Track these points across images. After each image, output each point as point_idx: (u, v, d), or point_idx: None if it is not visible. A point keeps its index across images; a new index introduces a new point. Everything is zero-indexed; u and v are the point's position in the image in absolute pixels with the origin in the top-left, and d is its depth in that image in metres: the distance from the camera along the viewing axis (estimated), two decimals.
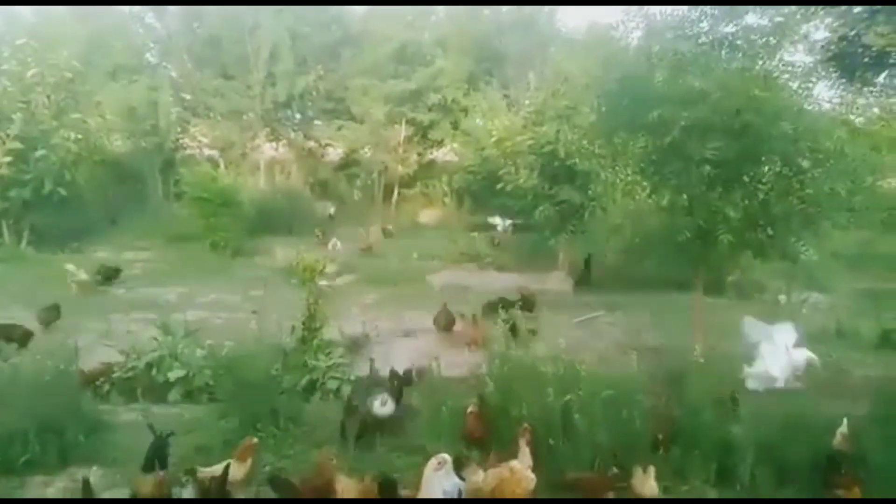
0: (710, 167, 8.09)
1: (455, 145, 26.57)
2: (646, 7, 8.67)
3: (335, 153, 29.25)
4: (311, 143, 28.52)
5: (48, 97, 18.17)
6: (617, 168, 11.13)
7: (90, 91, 21.13)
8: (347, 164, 28.09)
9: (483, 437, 6.15)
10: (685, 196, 8.76)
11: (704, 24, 8.57)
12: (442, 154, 28.34)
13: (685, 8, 8.53)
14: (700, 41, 8.57)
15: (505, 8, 28.19)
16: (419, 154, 26.66)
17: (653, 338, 10.71)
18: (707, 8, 8.45)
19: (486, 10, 28.47)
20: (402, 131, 25.33)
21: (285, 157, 28.73)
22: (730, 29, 8.49)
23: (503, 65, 28.13)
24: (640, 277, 14.53)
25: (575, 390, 5.99)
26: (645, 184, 9.97)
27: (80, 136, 18.70)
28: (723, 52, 8.57)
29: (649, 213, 10.72)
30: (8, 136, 11.63)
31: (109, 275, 14.21)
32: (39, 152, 17.20)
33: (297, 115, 28.72)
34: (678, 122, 7.75)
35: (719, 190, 8.51)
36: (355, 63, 26.74)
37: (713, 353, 8.67)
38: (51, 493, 5.87)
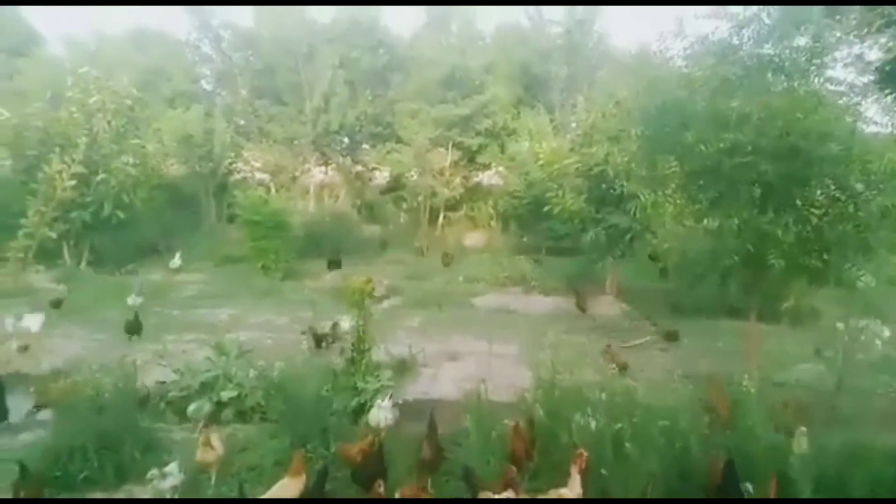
0: (759, 190, 7.96)
1: (500, 169, 26.68)
2: (685, 31, 8.65)
3: (382, 177, 29.68)
4: (359, 167, 29.00)
5: (109, 123, 18.75)
6: (665, 192, 11.04)
7: (149, 117, 21.97)
8: (394, 187, 28.44)
9: (525, 457, 6.11)
10: (734, 220, 8.62)
11: (746, 48, 8.49)
12: (487, 177, 28.46)
13: (726, 30, 8.45)
14: (744, 63, 8.48)
15: (552, 32, 28.36)
16: (465, 177, 26.80)
17: (705, 365, 10.47)
18: (748, 30, 8.36)
19: (533, 34, 28.67)
20: (449, 155, 25.54)
21: (334, 181, 29.29)
22: (773, 51, 8.37)
23: (549, 89, 28.24)
24: (690, 303, 14.28)
25: (627, 418, 5.91)
26: (693, 207, 9.84)
27: (138, 161, 19.30)
28: (768, 74, 8.46)
29: (699, 237, 10.57)
30: (73, 160, 12.15)
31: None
32: (100, 176, 17.76)
33: (346, 140, 29.26)
34: (718, 145, 7.67)
35: (770, 214, 8.34)
36: (403, 88, 27.18)
37: (768, 381, 8.44)
38: None
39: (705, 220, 9.56)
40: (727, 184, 8.11)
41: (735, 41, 8.29)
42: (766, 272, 8.37)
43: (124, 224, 18.63)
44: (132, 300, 12.59)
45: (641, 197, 12.83)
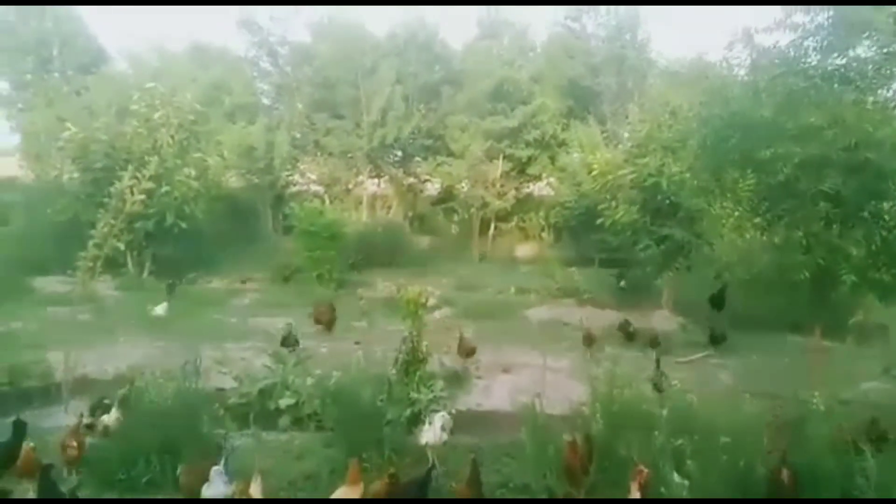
0: (828, 204, 7.72)
1: (551, 180, 26.54)
2: (752, 40, 8.47)
3: (433, 188, 29.90)
4: (411, 179, 29.29)
5: (172, 137, 19.30)
6: (725, 204, 10.79)
7: (210, 131, 22.65)
8: (445, 199, 28.61)
9: (582, 472, 6.03)
10: (800, 233, 8.38)
11: (812, 59, 8.26)
12: (538, 189, 28.36)
13: (790, 40, 8.25)
14: (810, 74, 8.26)
15: (594, 44, 28.27)
16: (516, 189, 26.76)
17: (766, 381, 10.13)
18: (813, 40, 8.14)
19: (580, 46, 28.54)
20: (500, 166, 25.56)
21: (386, 193, 29.66)
22: (840, 61, 8.12)
23: (598, 100, 28.03)
24: (749, 317, 13.88)
25: (689, 434, 5.77)
26: (756, 220, 9.60)
27: (199, 174, 19.79)
28: (834, 85, 8.21)
29: (760, 250, 10.29)
30: (144, 176, 12.68)
31: None
32: (163, 188, 18.20)
33: (399, 153, 29.60)
34: (792, 159, 7.48)
35: (838, 227, 8.09)
36: (454, 101, 27.37)
37: (833, 399, 8.12)
38: None
39: (765, 234, 9.35)
40: (795, 197, 7.89)
41: (799, 52, 8.09)
42: (835, 287, 8.10)
43: (185, 234, 19.14)
44: (161, 310, 12.92)
45: (699, 209, 12.63)
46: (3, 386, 8.91)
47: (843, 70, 8.06)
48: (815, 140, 7.58)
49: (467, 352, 10.69)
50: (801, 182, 7.68)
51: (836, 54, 8.04)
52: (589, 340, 11.84)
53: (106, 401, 8.02)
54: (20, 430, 6.66)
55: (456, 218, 27.56)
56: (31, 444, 6.32)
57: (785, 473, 5.66)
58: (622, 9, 27.29)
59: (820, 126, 7.58)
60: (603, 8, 27.82)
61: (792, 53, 8.15)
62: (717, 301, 13.82)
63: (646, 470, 5.46)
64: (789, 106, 7.89)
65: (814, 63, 8.19)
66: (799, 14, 8.03)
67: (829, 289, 8.38)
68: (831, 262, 7.96)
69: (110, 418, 7.48)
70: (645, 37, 27.99)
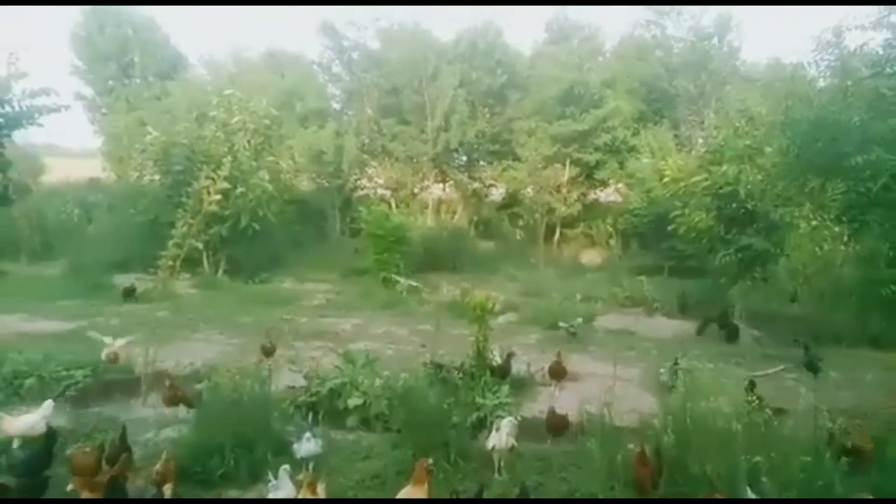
0: None
1: (619, 186, 26.11)
2: (842, 40, 8.14)
3: (498, 193, 29.88)
4: (476, 184, 29.37)
5: (248, 141, 19.92)
6: (805, 213, 10.37)
7: (282, 135, 23.28)
8: (510, 203, 28.55)
9: (651, 486, 5.90)
10: (887, 245, 7.98)
11: None
12: (605, 195, 27.95)
13: (880, 44, 7.87)
14: None
15: (676, 48, 27.64)
16: (582, 194, 26.44)
17: (846, 397, 9.65)
18: None
19: (656, 49, 28.01)
20: (567, 171, 25.30)
21: (451, 197, 29.88)
22: None
23: (673, 104, 27.41)
24: (828, 331, 13.24)
25: (765, 451, 5.57)
26: (837, 230, 9.18)
27: (272, 177, 20.35)
28: None
29: (842, 262, 9.85)
30: (219, 176, 13.10)
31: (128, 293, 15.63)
32: (239, 190, 18.76)
33: (464, 157, 29.74)
34: (884, 165, 7.12)
35: None
36: (521, 106, 27.29)
37: None
38: None
39: (848, 245, 8.94)
40: (885, 206, 7.51)
41: (891, 52, 7.71)
42: None
43: (258, 235, 19.73)
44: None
45: (777, 218, 12.13)
46: (87, 378, 9.34)
47: None
48: None
49: (559, 374, 10.13)
50: (894, 191, 7.31)
51: None
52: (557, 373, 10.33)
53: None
54: (52, 439, 6.84)
55: (521, 223, 27.43)
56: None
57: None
58: (713, 11, 26.61)
59: None
60: (688, 9, 27.21)
61: (883, 54, 7.78)
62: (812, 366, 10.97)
63: (722, 495, 5.28)
64: (880, 110, 7.52)
65: None
66: None
67: None
68: None
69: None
70: (737, 43, 27.20)
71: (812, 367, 9.43)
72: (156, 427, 8.09)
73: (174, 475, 6.15)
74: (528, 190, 26.38)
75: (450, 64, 26.81)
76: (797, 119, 8.25)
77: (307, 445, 6.87)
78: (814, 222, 10.22)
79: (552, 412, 7.87)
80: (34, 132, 11.95)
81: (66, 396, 8.81)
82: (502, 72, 28.04)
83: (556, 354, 10.44)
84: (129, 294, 15.59)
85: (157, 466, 6.15)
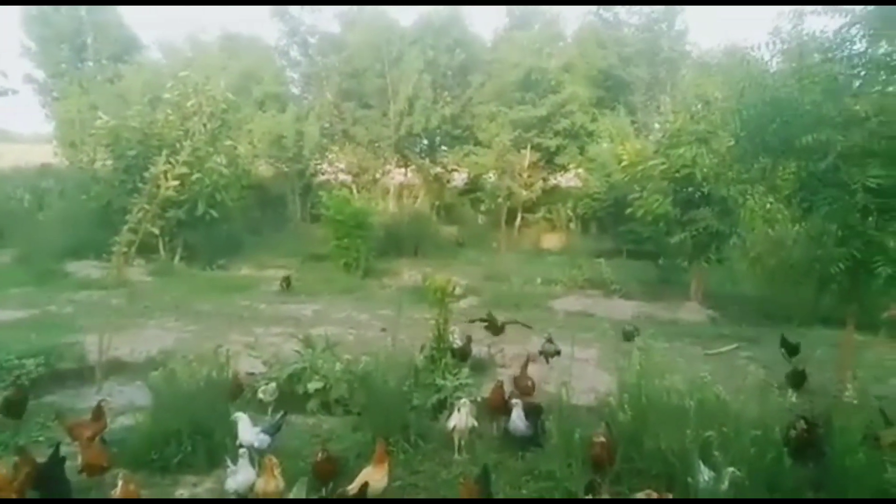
0: (867, 195, 7.53)
1: (580, 171, 26.38)
2: (797, 27, 8.30)
3: (460, 178, 29.90)
4: (438, 169, 29.33)
5: (204, 125, 19.40)
6: (758, 194, 10.60)
7: (240, 120, 22.83)
8: (472, 189, 28.61)
9: (609, 465, 6.01)
10: (835, 225, 8.20)
11: (858, 46, 8.05)
12: (566, 180, 28.21)
13: (835, 28, 8.05)
14: (854, 63, 8.06)
15: (628, 34, 27.97)
16: (543, 179, 26.64)
17: None
18: (858, 28, 7.92)
19: (612, 36, 28.25)
20: (528, 157, 25.44)
21: (413, 182, 29.76)
22: (885, 49, 7.90)
23: (629, 91, 27.76)
24: (780, 310, 13.68)
25: (716, 426, 5.72)
26: (787, 212, 9.41)
27: (230, 162, 19.98)
28: (881, 74, 8.00)
29: (793, 242, 10.11)
30: (178, 161, 12.81)
31: None
32: (195, 176, 18.27)
33: (426, 142, 29.65)
34: (835, 146, 7.30)
35: (874, 219, 7.89)
36: (482, 90, 27.28)
37: (866, 393, 7.97)
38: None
39: (801, 224, 9.17)
40: (834, 186, 7.71)
41: (843, 38, 7.90)
42: (870, 281, 7.94)
43: (216, 221, 19.41)
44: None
45: (731, 200, 12.40)
46: (40, 367, 9.09)
47: (888, 59, 7.85)
48: (858, 128, 7.41)
49: (523, 390, 8.49)
50: (842, 171, 7.51)
51: (883, 42, 7.83)
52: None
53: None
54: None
55: (482, 208, 27.53)
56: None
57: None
58: None
59: (865, 114, 7.40)
60: None
61: (837, 40, 7.96)
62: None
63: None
64: (833, 93, 7.70)
65: (860, 51, 8.00)
66: None
67: (865, 282, 8.21)
68: (866, 255, 7.78)
69: None
70: (682, 27, 27.66)
71: (795, 381, 9.26)
72: (111, 415, 7.91)
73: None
74: (490, 175, 26.48)
75: (411, 45, 26.59)
76: (751, 102, 8.38)
77: (241, 475, 5.98)
78: (766, 203, 10.46)
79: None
80: None
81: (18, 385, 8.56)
82: (460, 51, 27.91)
83: (487, 314, 11.39)
84: None
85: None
